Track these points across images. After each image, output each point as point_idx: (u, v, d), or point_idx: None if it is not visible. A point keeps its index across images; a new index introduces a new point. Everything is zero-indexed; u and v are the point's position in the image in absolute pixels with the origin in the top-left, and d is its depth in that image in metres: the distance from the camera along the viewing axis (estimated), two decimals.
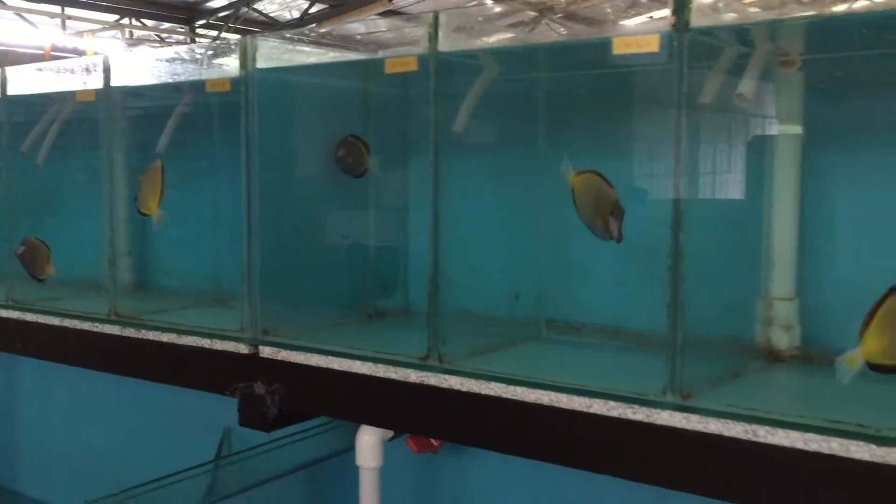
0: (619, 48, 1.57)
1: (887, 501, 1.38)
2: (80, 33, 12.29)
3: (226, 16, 12.66)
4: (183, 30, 13.15)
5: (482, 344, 2.03)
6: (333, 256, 2.36)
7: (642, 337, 2.01)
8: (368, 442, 2.20)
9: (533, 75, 2.01)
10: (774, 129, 1.86)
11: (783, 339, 1.89)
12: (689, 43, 1.57)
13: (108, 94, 2.56)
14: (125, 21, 12.71)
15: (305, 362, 2.13)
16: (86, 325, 2.59)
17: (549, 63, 1.96)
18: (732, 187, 1.91)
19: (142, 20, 12.99)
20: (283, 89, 2.20)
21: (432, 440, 2.29)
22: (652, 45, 1.53)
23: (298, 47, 2.21)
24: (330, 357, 2.08)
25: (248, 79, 2.18)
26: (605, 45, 1.59)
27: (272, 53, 2.18)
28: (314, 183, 2.32)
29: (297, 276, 2.28)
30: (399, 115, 2.35)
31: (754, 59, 1.62)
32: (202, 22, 12.94)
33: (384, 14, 9.94)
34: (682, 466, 1.61)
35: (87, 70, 2.67)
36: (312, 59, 2.18)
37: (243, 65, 2.18)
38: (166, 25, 13.17)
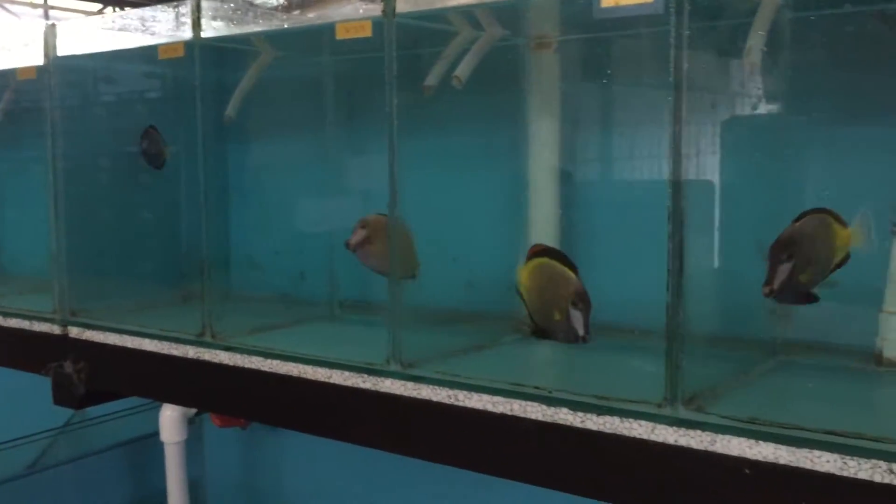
0: (341, 33, 1.65)
1: (554, 456, 1.48)
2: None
3: None
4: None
5: (265, 323, 2.11)
6: (144, 242, 2.44)
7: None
8: (170, 418, 2.30)
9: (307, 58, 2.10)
10: (534, 109, 1.94)
11: None
12: (408, 27, 1.67)
13: None
14: (108, 10, 12.71)
15: (105, 341, 2.22)
16: None
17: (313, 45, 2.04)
18: (488, 168, 2.00)
19: (125, 7, 13.04)
20: (84, 75, 2.28)
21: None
22: (366, 30, 1.62)
23: (106, 33, 2.28)
24: (124, 336, 2.16)
25: (50, 66, 2.26)
26: (331, 29, 1.67)
27: (77, 39, 2.24)
28: (124, 171, 2.40)
29: (106, 261, 2.37)
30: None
31: (480, 42, 1.71)
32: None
33: None
34: (405, 430, 1.70)
35: None
36: (113, 46, 2.25)
37: (46, 52, 2.25)
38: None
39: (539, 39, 1.87)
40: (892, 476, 1.17)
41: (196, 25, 1.91)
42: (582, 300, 1.46)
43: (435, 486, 2.29)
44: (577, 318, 1.46)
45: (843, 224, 1.49)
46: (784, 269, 1.41)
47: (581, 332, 1.47)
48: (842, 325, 1.71)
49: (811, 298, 1.48)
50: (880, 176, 1.67)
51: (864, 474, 1.20)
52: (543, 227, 1.98)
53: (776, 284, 1.41)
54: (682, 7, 1.30)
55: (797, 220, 1.48)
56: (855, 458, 1.20)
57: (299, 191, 2.27)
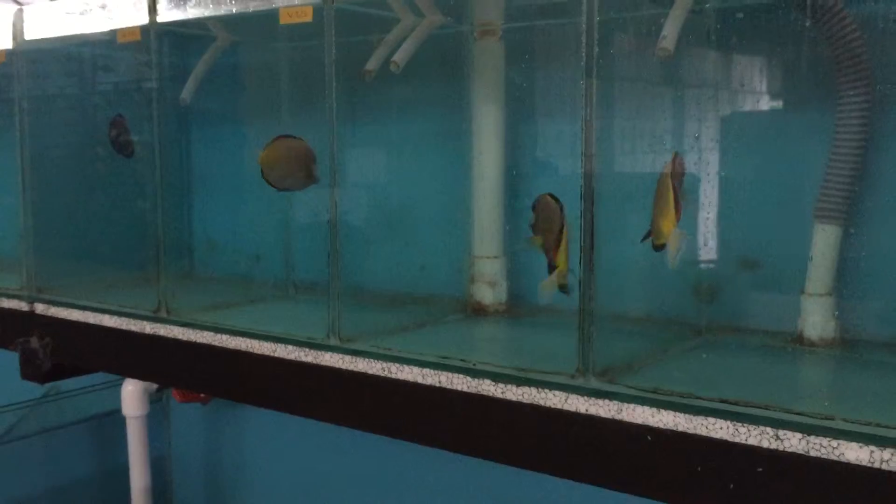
0: (284, 18, 1.71)
1: (477, 425, 1.54)
2: None
3: None
4: None
5: (221, 301, 2.18)
6: (109, 225, 2.50)
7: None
8: (131, 392, 2.37)
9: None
10: (478, 96, 2.00)
11: (488, 295, 2.05)
12: (351, 13, 1.73)
13: None
14: None
15: (69, 317, 2.29)
16: None
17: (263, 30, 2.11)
18: (438, 153, 2.06)
19: None
20: (50, 60, 2.34)
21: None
22: (307, 15, 1.67)
23: (72, 17, 2.34)
24: (86, 312, 2.23)
25: (18, 50, 2.32)
26: (274, 15, 1.73)
27: (43, 24, 2.31)
28: (91, 154, 2.46)
29: (73, 242, 2.44)
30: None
31: (419, 29, 1.76)
32: None
33: None
34: (343, 401, 1.76)
35: None
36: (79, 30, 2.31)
37: (14, 36, 2.32)
38: None
39: (484, 27, 1.93)
40: (779, 441, 1.24)
41: (152, 10, 1.98)
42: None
43: (394, 459, 2.36)
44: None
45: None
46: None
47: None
48: (766, 307, 1.77)
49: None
50: (803, 163, 1.73)
51: (753, 440, 1.26)
52: (489, 213, 2.04)
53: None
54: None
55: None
56: (746, 424, 1.27)
57: (257, 175, 2.33)
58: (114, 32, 2.05)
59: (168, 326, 2.06)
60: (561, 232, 1.58)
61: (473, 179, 2.01)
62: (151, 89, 2.03)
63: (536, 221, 1.61)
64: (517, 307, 2.05)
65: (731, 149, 1.74)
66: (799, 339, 1.69)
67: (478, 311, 2.02)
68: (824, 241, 1.68)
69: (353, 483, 2.41)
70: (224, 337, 1.95)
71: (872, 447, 1.16)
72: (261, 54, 2.22)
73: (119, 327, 2.16)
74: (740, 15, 1.67)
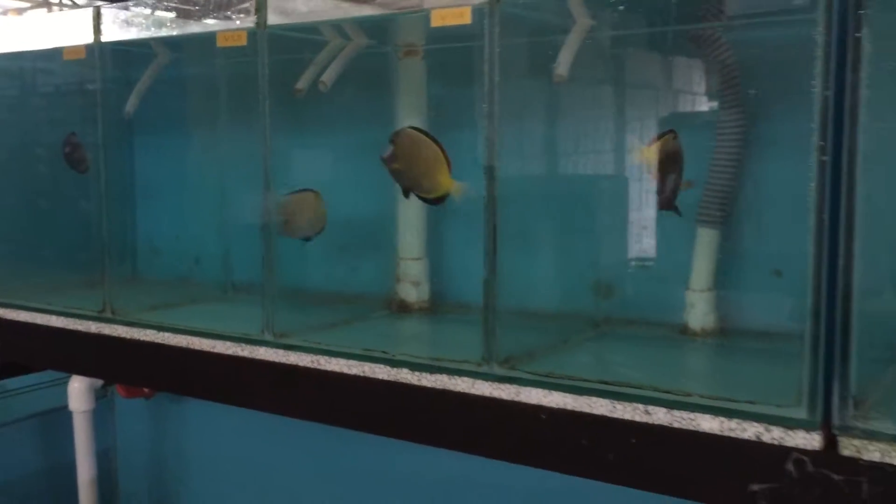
0: (221, 42, 1.86)
1: (397, 410, 1.72)
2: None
3: None
4: None
5: (163, 302, 2.32)
6: (58, 230, 2.62)
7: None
8: (78, 388, 2.49)
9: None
10: (402, 110, 2.17)
11: (412, 294, 2.22)
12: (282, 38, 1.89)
13: None
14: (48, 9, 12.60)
15: (17, 318, 2.40)
16: None
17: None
18: (366, 163, 2.23)
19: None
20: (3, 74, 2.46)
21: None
22: (242, 39, 1.83)
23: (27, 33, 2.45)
24: (34, 312, 2.35)
25: None
26: (212, 38, 1.89)
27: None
28: (42, 165, 2.58)
29: (22, 247, 2.55)
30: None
31: (345, 50, 1.93)
32: None
33: None
34: (278, 393, 1.92)
35: None
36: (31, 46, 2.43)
37: None
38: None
39: (407, 48, 2.10)
40: (648, 416, 1.44)
41: (96, 31, 2.11)
42: None
43: (329, 446, 2.51)
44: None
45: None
46: (672, 180, 1.67)
47: None
48: (657, 301, 1.98)
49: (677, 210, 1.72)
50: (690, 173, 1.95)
51: (627, 415, 1.46)
52: (413, 217, 2.22)
53: (668, 192, 1.66)
54: (494, 26, 1.54)
55: (661, 136, 1.69)
56: (622, 402, 1.46)
57: (197, 182, 2.48)
58: (60, 49, 2.18)
59: (112, 326, 2.19)
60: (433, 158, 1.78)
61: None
62: (95, 103, 2.16)
63: (395, 153, 1.80)
64: (439, 305, 2.23)
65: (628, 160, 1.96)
66: (684, 330, 1.90)
67: (402, 309, 2.19)
68: (705, 242, 1.90)
69: (291, 471, 2.56)
70: (166, 335, 2.09)
71: (722, 418, 1.37)
72: (201, 71, 2.37)
73: (66, 327, 2.28)
74: (632, 42, 1.88)
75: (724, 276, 1.88)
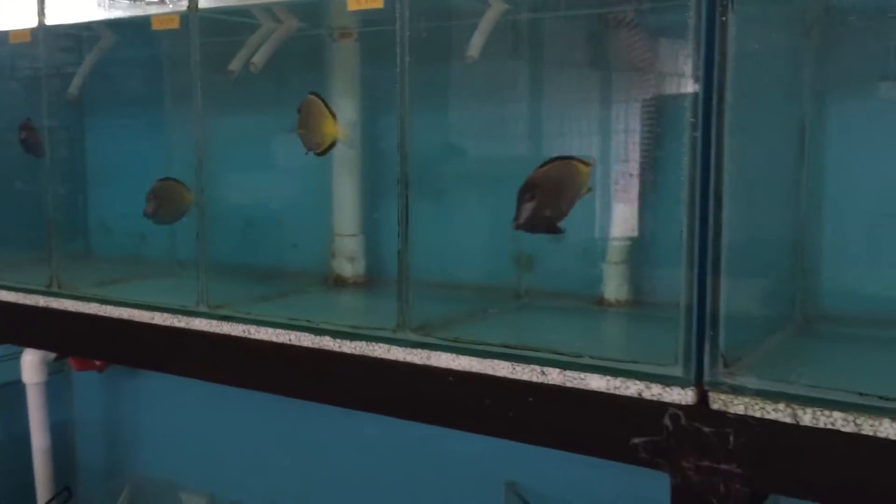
0: (155, 24, 1.94)
1: (320, 375, 1.81)
2: None
3: None
4: None
5: (109, 277, 2.40)
6: (6, 209, 2.68)
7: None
8: (30, 361, 2.57)
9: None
10: (337, 92, 2.25)
11: (347, 269, 2.31)
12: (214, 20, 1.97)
13: None
14: None
15: None
16: None
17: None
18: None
19: None
20: None
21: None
22: (174, 22, 1.91)
23: None
24: None
25: None
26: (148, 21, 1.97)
27: None
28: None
29: None
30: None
31: (276, 33, 2.01)
32: None
33: None
34: (212, 361, 2.01)
35: None
36: None
37: None
38: None
39: (342, 30, 2.18)
40: (544, 376, 1.53)
41: (41, 14, 2.18)
42: None
43: (274, 413, 2.60)
44: None
45: (585, 164, 1.82)
46: (528, 207, 1.76)
47: None
48: (577, 274, 2.07)
49: (557, 230, 1.81)
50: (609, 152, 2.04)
51: (525, 376, 1.55)
52: (348, 194, 2.30)
53: (522, 219, 1.75)
54: (404, 11, 1.63)
55: (542, 166, 1.81)
56: (521, 364, 1.56)
57: (143, 161, 2.55)
58: (6, 33, 2.24)
59: (59, 300, 2.27)
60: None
61: (334, 164, 2.27)
62: (41, 84, 2.23)
63: (299, 120, 1.92)
64: (374, 280, 2.32)
65: (548, 136, 2.04)
66: (601, 301, 2.00)
67: (338, 284, 2.28)
68: (621, 217, 1.99)
69: (239, 438, 2.66)
70: (109, 308, 2.17)
71: (608, 377, 1.46)
72: (143, 53, 2.43)
73: (16, 301, 2.36)
74: (547, 26, 1.96)
75: (638, 251, 1.99)
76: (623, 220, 2.00)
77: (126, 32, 2.29)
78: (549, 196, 1.75)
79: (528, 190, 1.72)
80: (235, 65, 1.97)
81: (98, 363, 2.67)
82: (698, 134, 1.36)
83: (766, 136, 1.59)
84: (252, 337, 1.92)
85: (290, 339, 1.86)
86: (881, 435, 1.24)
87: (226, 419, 2.66)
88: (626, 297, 1.98)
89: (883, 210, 1.74)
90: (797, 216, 1.73)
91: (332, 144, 1.94)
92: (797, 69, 1.72)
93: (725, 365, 1.39)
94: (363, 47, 2.23)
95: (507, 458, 2.09)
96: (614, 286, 1.98)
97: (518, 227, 1.73)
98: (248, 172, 2.35)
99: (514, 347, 1.58)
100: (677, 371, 1.42)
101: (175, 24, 1.91)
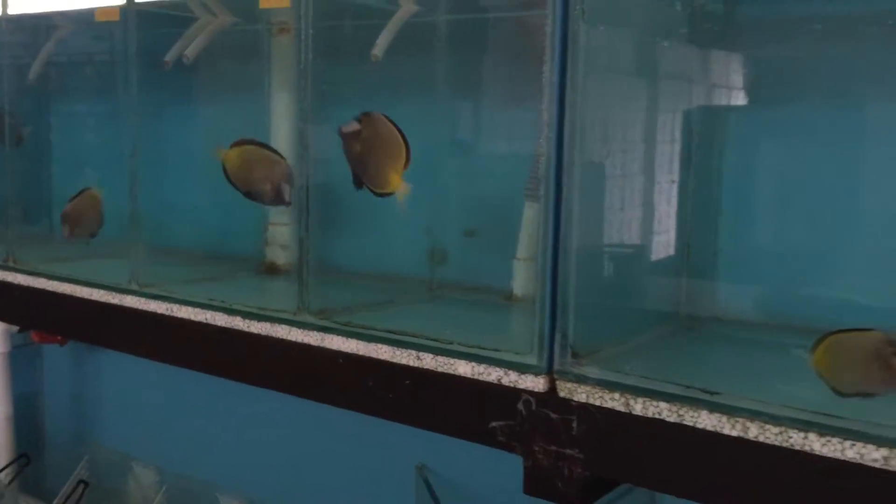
0: (99, 16, 2.05)
1: (231, 353, 1.91)
2: None
3: None
4: None
5: (63, 255, 2.51)
6: None
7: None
8: None
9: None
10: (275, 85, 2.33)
11: (280, 256, 2.40)
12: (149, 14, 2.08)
13: None
14: None
15: None
16: None
17: None
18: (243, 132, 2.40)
19: None
20: None
21: None
22: (115, 15, 2.01)
23: None
24: None
25: None
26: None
27: None
28: None
29: None
30: None
31: (210, 27, 2.11)
32: None
33: None
34: (140, 336, 2.12)
35: None
36: None
37: None
38: None
39: (280, 25, 2.27)
40: (419, 360, 1.61)
41: (4, 4, 2.31)
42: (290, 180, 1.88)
43: (220, 391, 2.70)
44: (286, 190, 1.88)
45: None
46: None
47: (287, 199, 1.88)
48: (492, 270, 2.14)
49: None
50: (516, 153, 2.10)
51: (404, 360, 1.64)
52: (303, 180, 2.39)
53: None
54: (308, 10, 1.72)
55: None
56: (401, 348, 1.64)
57: (95, 147, 2.68)
58: None
59: (14, 274, 2.40)
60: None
61: None
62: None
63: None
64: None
65: (461, 135, 2.12)
66: (509, 296, 2.07)
67: (271, 271, 2.38)
68: (530, 215, 2.06)
69: (188, 414, 2.78)
70: (54, 283, 2.30)
71: (474, 363, 1.54)
72: (92, 43, 2.55)
73: None
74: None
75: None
76: (531, 216, 2.07)
77: (79, 24, 2.41)
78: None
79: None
80: (170, 56, 2.08)
81: (59, 337, 2.80)
82: (552, 134, 1.44)
83: (637, 137, 1.65)
84: (174, 315, 2.03)
85: (206, 318, 1.97)
86: (700, 426, 1.31)
87: (176, 396, 2.78)
88: (532, 292, 2.05)
89: (774, 214, 1.80)
90: (683, 218, 1.79)
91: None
92: (679, 74, 1.78)
93: (574, 355, 1.46)
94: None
95: (419, 442, 2.18)
96: (522, 281, 2.05)
97: None
98: (189, 159, 2.46)
99: (396, 333, 1.67)
100: (532, 360, 1.50)
101: (115, 17, 2.02)
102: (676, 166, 1.78)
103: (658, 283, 1.79)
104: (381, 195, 1.74)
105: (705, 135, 1.78)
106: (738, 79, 1.78)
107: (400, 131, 1.68)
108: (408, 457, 2.24)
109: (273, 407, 2.53)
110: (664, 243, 1.78)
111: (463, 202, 2.13)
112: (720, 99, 1.80)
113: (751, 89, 1.77)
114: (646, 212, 1.72)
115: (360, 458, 2.35)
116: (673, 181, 1.77)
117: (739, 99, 1.79)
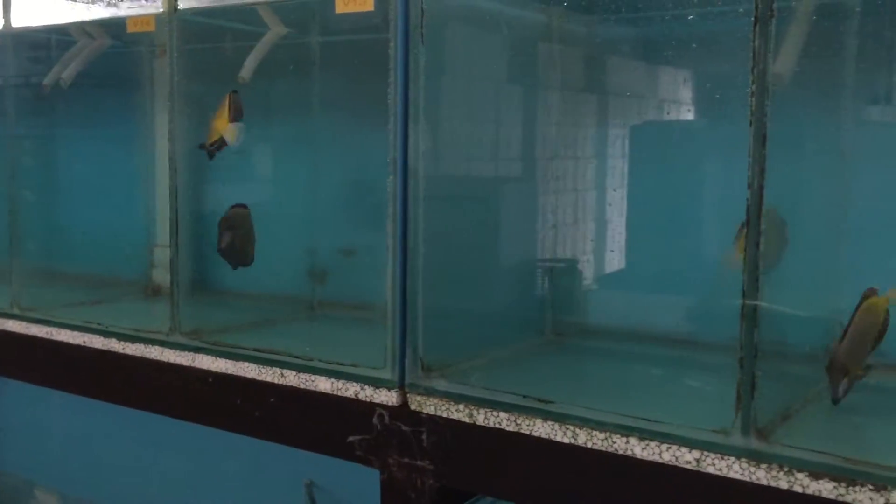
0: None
1: (108, 375, 1.91)
2: None
3: None
4: None
5: None
6: None
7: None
8: None
9: None
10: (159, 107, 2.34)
11: (166, 279, 2.40)
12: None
13: None
14: None
15: None
16: None
17: None
18: (127, 153, 2.41)
19: None
20: None
21: None
22: None
23: None
24: None
25: None
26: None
27: None
28: None
29: None
30: None
31: (86, 50, 2.12)
32: None
33: None
34: (21, 360, 2.11)
35: None
36: None
37: None
38: None
39: (163, 48, 2.28)
40: (283, 378, 1.63)
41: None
42: None
43: (121, 421, 2.69)
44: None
45: None
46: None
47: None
48: (369, 287, 2.17)
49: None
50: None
51: (269, 377, 1.66)
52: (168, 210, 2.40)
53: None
54: (173, 33, 1.74)
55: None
56: (266, 367, 1.66)
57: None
58: None
59: None
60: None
61: (156, 173, 2.37)
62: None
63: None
64: (196, 290, 2.40)
65: (329, 155, 2.15)
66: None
67: (156, 293, 2.38)
68: None
69: (88, 439, 2.75)
70: None
71: (333, 379, 1.57)
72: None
73: None
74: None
75: None
76: None
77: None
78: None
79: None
80: (49, 79, 2.08)
81: None
82: (398, 154, 1.48)
83: (487, 151, 1.71)
84: (53, 338, 2.02)
85: (84, 342, 1.96)
86: (535, 434, 1.35)
87: (77, 421, 2.74)
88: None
89: (647, 230, 1.86)
90: (545, 237, 1.85)
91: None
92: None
93: (425, 369, 1.50)
94: (181, 64, 2.33)
95: (308, 458, 2.19)
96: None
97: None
98: (85, 185, 2.46)
99: (262, 351, 1.69)
100: (386, 374, 1.53)
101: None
102: (537, 180, 1.84)
103: (524, 297, 1.84)
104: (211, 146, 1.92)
105: (553, 148, 1.85)
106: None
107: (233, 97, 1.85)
108: (298, 473, 2.25)
109: (168, 429, 2.51)
110: (527, 258, 1.83)
111: (343, 221, 2.16)
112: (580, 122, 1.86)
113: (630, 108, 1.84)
114: (506, 226, 1.77)
115: (252, 476, 2.35)
116: (532, 195, 1.84)
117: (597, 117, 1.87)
